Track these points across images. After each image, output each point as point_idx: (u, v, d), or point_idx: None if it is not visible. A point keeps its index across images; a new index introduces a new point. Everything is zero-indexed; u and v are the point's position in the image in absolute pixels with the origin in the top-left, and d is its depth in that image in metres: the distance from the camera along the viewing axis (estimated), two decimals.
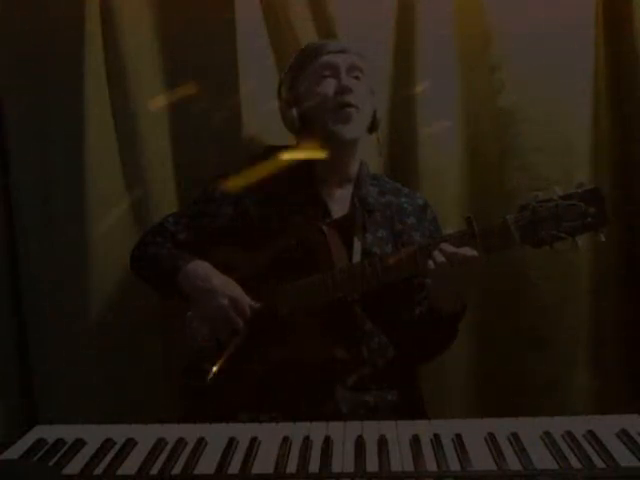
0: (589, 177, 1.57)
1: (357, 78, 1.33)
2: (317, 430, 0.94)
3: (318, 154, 1.35)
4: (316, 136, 1.34)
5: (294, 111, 1.34)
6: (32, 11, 1.60)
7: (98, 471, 0.85)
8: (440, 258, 1.11)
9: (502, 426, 0.93)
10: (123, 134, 1.62)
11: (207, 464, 0.86)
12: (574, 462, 0.83)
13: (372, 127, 1.39)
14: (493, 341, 1.64)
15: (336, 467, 0.84)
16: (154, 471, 0.84)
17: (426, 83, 1.60)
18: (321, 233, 1.27)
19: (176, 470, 0.84)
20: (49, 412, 1.61)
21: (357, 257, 1.28)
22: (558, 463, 0.82)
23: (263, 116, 1.58)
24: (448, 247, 1.11)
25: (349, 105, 1.29)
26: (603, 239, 1.09)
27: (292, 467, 0.84)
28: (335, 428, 0.95)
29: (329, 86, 1.31)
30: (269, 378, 1.23)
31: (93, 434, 0.95)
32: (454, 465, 0.83)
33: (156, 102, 1.64)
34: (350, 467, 0.83)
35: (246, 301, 1.25)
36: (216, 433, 0.94)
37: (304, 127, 1.34)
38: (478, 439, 0.90)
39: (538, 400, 1.60)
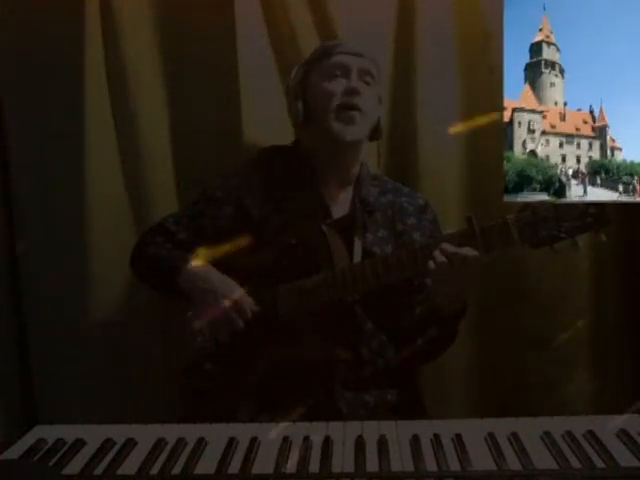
0: None
1: (367, 83, 1.32)
2: (317, 430, 0.94)
3: (319, 154, 1.35)
4: (317, 133, 1.34)
5: (300, 104, 1.34)
6: (32, 11, 1.60)
7: (98, 471, 0.85)
8: (440, 258, 1.11)
9: (502, 426, 0.93)
10: (123, 134, 1.63)
11: (207, 464, 0.86)
12: (574, 462, 0.83)
13: (374, 135, 1.39)
14: (493, 341, 1.64)
15: (336, 467, 0.83)
16: (154, 471, 0.84)
17: (426, 83, 1.61)
18: (321, 233, 1.27)
19: (176, 470, 0.84)
20: (49, 412, 1.61)
21: (358, 257, 1.28)
22: (558, 463, 0.82)
23: (263, 116, 1.58)
24: (448, 247, 1.11)
25: (354, 107, 1.29)
26: (604, 239, 1.08)
27: (292, 467, 0.84)
28: (335, 428, 0.94)
29: (338, 85, 1.30)
30: (269, 378, 1.23)
31: (93, 434, 0.94)
32: (454, 465, 0.83)
33: (156, 102, 1.64)
34: (350, 467, 0.83)
35: (246, 301, 1.25)
36: (216, 433, 0.94)
37: (306, 121, 1.34)
38: (478, 439, 0.90)
39: (538, 400, 1.60)
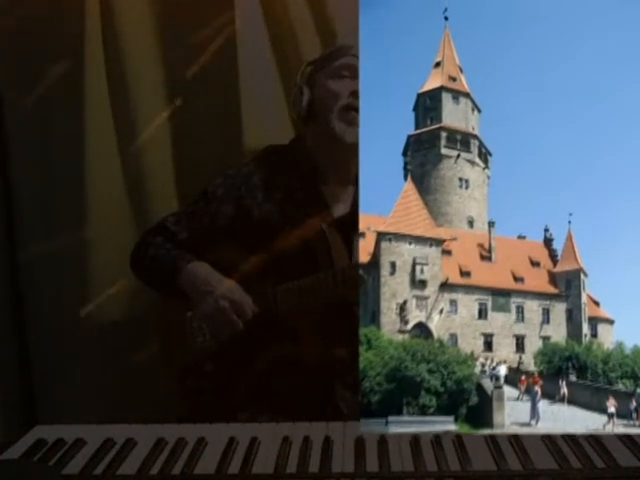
0: None
1: None
2: (317, 430, 0.94)
3: (320, 153, 1.34)
4: (318, 131, 1.33)
5: (305, 98, 1.34)
6: (32, 11, 1.60)
7: (98, 471, 0.85)
8: None
9: None
10: (123, 134, 1.62)
11: (207, 464, 0.86)
12: (574, 462, 0.83)
13: None
14: None
15: (336, 467, 0.83)
16: (154, 471, 0.84)
17: None
18: (321, 232, 1.27)
19: (176, 470, 0.84)
20: (49, 412, 1.61)
21: (357, 256, 1.28)
22: (558, 463, 0.82)
23: (263, 116, 1.58)
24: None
25: (358, 109, 1.29)
26: None
27: (292, 467, 0.84)
28: (335, 428, 0.94)
29: (345, 86, 1.30)
30: (269, 378, 1.23)
31: (93, 434, 0.94)
32: (454, 465, 0.83)
33: (156, 102, 1.64)
34: (350, 467, 0.83)
35: (246, 301, 1.25)
36: (216, 433, 0.94)
37: (309, 118, 1.34)
38: (478, 439, 0.89)
39: None
